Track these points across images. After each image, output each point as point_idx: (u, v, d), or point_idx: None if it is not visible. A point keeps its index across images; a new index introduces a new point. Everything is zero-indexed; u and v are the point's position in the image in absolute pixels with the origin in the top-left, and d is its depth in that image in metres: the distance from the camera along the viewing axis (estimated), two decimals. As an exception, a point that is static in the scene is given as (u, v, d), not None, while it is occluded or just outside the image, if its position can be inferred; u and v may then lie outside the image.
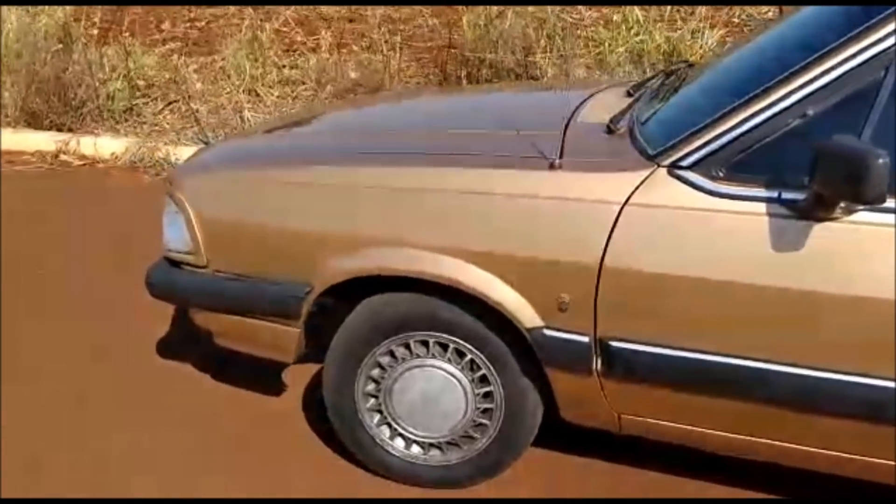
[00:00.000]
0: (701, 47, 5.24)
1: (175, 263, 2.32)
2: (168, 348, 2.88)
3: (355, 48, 5.77)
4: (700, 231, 1.77)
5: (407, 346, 2.11)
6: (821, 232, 1.67)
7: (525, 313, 1.93)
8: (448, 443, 2.18)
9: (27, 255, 3.51)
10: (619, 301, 1.85)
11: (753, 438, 1.89)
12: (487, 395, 2.10)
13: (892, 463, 1.78)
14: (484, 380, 2.09)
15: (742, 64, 2.17)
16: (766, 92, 1.74)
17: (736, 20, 5.56)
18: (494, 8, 5.47)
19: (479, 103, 2.78)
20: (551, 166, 1.91)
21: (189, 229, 2.22)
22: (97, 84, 5.15)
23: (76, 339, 2.92)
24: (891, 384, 1.68)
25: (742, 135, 1.74)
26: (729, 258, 1.75)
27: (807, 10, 2.17)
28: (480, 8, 5.46)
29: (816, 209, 1.66)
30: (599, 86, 2.73)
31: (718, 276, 1.75)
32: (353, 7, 6.30)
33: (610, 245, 1.83)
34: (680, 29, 5.36)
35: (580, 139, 2.04)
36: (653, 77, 2.57)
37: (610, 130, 2.08)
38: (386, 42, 5.50)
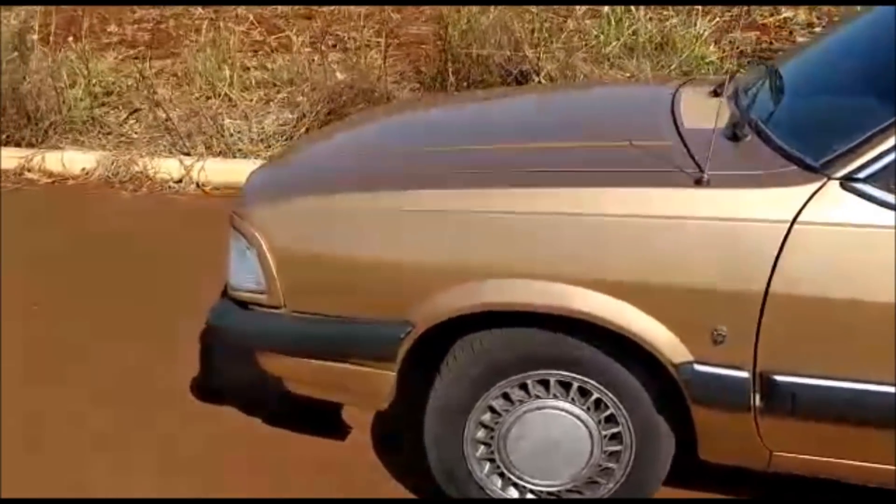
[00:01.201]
0: (696, 37, 5.14)
1: (241, 303, 2.03)
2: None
3: (334, 48, 5.47)
4: (883, 251, 1.60)
5: (524, 387, 1.88)
6: None
7: (672, 347, 1.73)
8: (569, 490, 1.96)
9: (23, 287, 3.13)
10: (785, 331, 1.66)
11: None
12: (615, 437, 1.89)
13: None
14: (611, 420, 1.88)
15: (873, 56, 2.00)
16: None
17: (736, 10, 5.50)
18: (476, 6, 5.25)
19: (550, 109, 2.55)
20: (698, 182, 1.70)
21: (263, 266, 1.93)
22: (58, 94, 4.71)
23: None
24: None
25: None
26: (917, 279, 1.58)
27: None
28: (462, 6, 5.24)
29: None
30: (667, 84, 2.54)
31: (910, 298, 1.58)
32: (314, 6, 5.99)
33: (777, 269, 1.63)
34: (672, 18, 5.25)
35: (708, 148, 1.84)
36: (734, 74, 2.40)
37: (735, 137, 1.88)
38: (368, 43, 5.21)
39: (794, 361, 1.68)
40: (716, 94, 2.30)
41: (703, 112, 2.15)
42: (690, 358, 1.73)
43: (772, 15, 7.00)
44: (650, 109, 2.28)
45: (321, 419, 2.31)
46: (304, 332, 1.95)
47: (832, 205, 1.62)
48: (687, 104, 2.23)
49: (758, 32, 6.49)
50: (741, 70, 2.48)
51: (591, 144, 2.03)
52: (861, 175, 1.61)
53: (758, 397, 1.72)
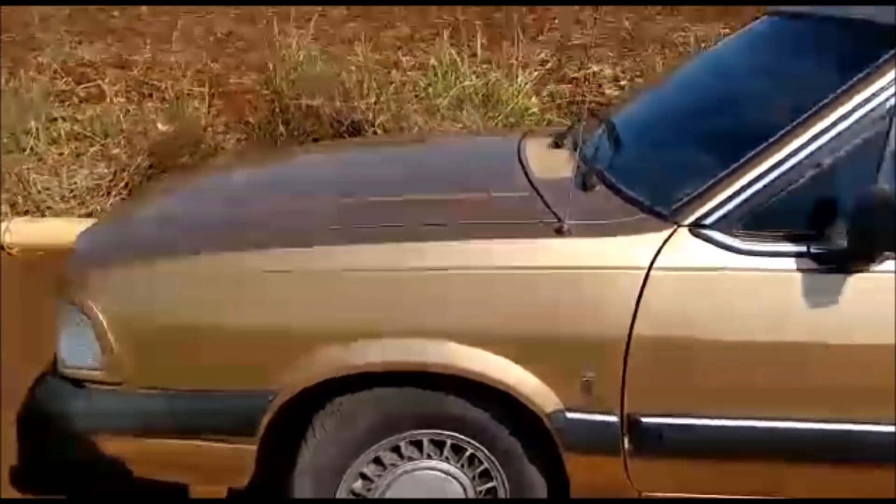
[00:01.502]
0: (518, 90, 5.36)
1: (75, 382, 1.82)
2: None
3: (151, 97, 5.19)
4: (733, 292, 1.69)
5: (396, 450, 1.81)
6: (860, 283, 1.65)
7: (543, 397, 1.73)
8: (447, 548, 1.90)
9: None
10: (650, 373, 1.71)
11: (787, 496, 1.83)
12: (490, 492, 1.86)
13: None
14: (485, 474, 1.85)
15: (709, 102, 2.16)
16: (781, 142, 1.70)
17: (549, 63, 5.80)
18: (301, 53, 5.21)
19: (401, 161, 2.51)
20: (559, 232, 1.73)
21: (100, 338, 1.74)
22: None
23: None
24: None
25: (763, 188, 1.69)
26: (766, 318, 1.68)
27: (741, 39, 2.26)
28: (289, 53, 5.17)
29: (853, 261, 1.64)
30: (508, 137, 2.62)
31: (759, 337, 1.68)
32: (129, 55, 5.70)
33: (638, 314, 1.68)
34: (495, 72, 5.45)
35: (561, 198, 1.88)
36: (573, 125, 2.50)
37: (586, 187, 1.94)
38: (190, 92, 5.00)
39: (660, 402, 1.73)
40: (556, 145, 2.39)
41: (549, 163, 2.22)
42: (561, 406, 1.73)
43: (580, 69, 7.47)
44: (499, 161, 2.32)
45: None
46: (150, 410, 1.78)
47: (683, 250, 1.70)
48: (532, 155, 2.29)
49: (570, 85, 6.90)
50: (577, 121, 2.58)
51: (448, 197, 2.01)
52: (707, 221, 1.70)
53: (626, 440, 1.75)
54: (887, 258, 1.63)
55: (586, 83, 7.11)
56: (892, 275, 1.64)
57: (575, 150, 2.24)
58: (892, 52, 1.71)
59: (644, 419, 1.73)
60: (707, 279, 1.69)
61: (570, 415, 1.74)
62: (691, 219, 1.71)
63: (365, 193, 2.08)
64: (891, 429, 1.69)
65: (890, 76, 1.69)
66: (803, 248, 1.67)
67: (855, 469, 1.75)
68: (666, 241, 1.70)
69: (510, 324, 1.71)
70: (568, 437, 1.75)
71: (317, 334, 1.72)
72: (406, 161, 2.54)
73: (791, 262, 1.67)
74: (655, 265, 1.69)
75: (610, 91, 6.82)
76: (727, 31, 9.19)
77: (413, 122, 4.74)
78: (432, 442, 1.81)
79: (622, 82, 6.98)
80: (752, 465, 1.77)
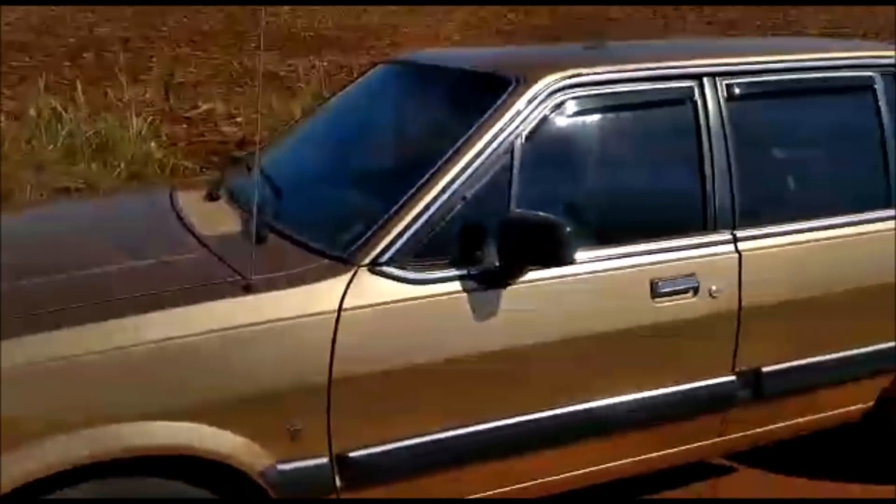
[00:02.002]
0: (137, 135, 5.11)
1: None
2: None
3: None
4: (414, 319, 1.85)
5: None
6: (513, 294, 1.91)
7: (252, 455, 1.72)
8: None
9: None
10: (354, 410, 1.80)
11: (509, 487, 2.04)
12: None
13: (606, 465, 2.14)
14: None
15: (354, 145, 2.31)
16: (430, 183, 1.91)
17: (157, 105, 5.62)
18: None
19: (64, 232, 2.24)
20: (247, 289, 1.74)
21: None
22: None
23: None
24: (602, 402, 2.03)
25: (423, 224, 1.88)
26: (447, 337, 1.87)
27: (369, 85, 2.50)
28: None
29: (506, 276, 1.90)
30: (155, 193, 2.54)
31: (444, 355, 1.86)
32: None
33: (335, 356, 1.76)
34: (106, 120, 5.13)
35: (238, 253, 1.89)
36: (223, 177, 2.51)
37: (260, 239, 1.97)
38: None
39: (365, 435, 1.83)
40: (212, 197, 2.38)
41: (211, 218, 2.20)
42: (272, 461, 1.75)
43: (193, 108, 7.35)
44: (159, 221, 2.24)
45: None
46: None
47: (366, 289, 1.81)
48: (191, 211, 2.26)
49: (185, 125, 6.76)
50: (225, 169, 2.59)
51: (121, 268, 1.90)
52: (382, 259, 1.84)
53: (338, 479, 1.82)
54: (531, 269, 1.93)
55: (202, 122, 7.03)
56: (538, 282, 1.94)
57: (234, 201, 2.27)
58: (505, 96, 2.02)
59: (352, 454, 1.81)
60: (391, 312, 1.83)
61: (281, 466, 1.75)
62: (368, 259, 1.84)
63: (32, 275, 1.87)
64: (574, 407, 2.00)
65: (507, 117, 1.99)
66: (465, 272, 1.89)
67: (539, 457, 2.03)
68: (349, 283, 1.80)
69: (210, 389, 1.68)
70: (283, 488, 1.77)
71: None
72: (60, 232, 2.31)
73: (457, 285, 1.88)
74: (343, 307, 1.78)
75: (228, 128, 6.82)
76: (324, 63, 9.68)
77: (23, 179, 4.27)
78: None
79: (238, 118, 7.03)
80: (461, 472, 1.95)
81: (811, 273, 2.23)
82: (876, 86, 2.37)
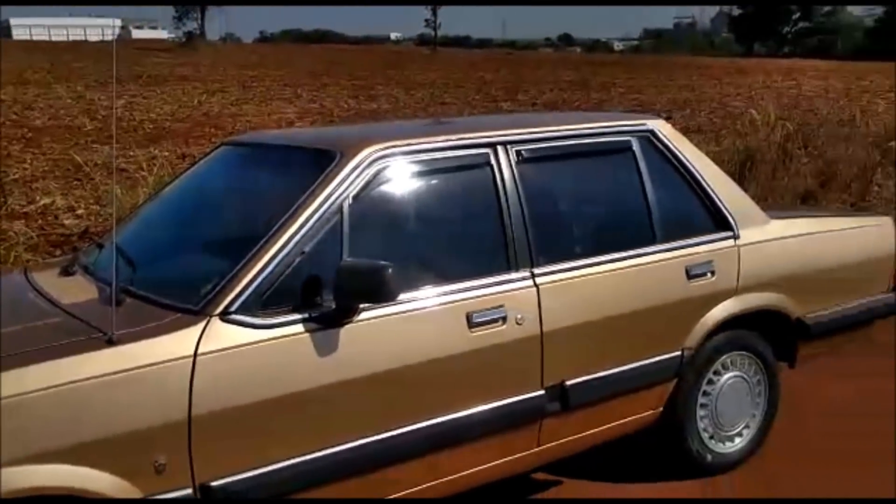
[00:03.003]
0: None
1: None
2: None
3: None
4: (263, 360, 2.12)
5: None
6: (349, 332, 2.23)
7: (122, 491, 1.93)
8: None
9: None
10: (213, 444, 2.04)
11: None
12: None
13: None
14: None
15: (200, 214, 2.61)
16: (272, 240, 2.22)
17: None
18: None
19: None
20: (110, 342, 1.97)
21: None
22: None
23: None
24: (431, 422, 2.35)
25: (268, 276, 2.18)
26: (292, 373, 2.15)
27: (213, 164, 2.83)
28: None
29: (342, 317, 2.22)
30: (8, 276, 2.71)
31: (289, 390, 2.14)
32: None
33: (193, 396, 2.01)
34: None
35: (100, 314, 2.12)
36: (77, 254, 2.72)
37: (118, 302, 2.19)
38: None
39: (225, 465, 2.06)
40: (67, 272, 2.58)
41: (68, 289, 2.41)
42: (140, 495, 1.95)
43: (30, 203, 7.27)
44: (18, 297, 2.42)
45: None
46: None
47: (218, 336, 2.08)
48: (48, 285, 2.46)
49: (23, 220, 6.69)
50: (81, 249, 2.79)
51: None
52: (232, 309, 2.13)
53: (199, 508, 2.04)
54: (364, 309, 2.26)
55: (41, 216, 6.97)
56: (370, 320, 2.27)
57: (89, 274, 2.49)
58: (332, 166, 2.39)
59: (213, 483, 2.05)
60: (242, 354, 2.10)
61: (150, 500, 1.96)
62: (219, 309, 2.12)
63: None
64: (404, 431, 2.31)
65: (335, 183, 2.35)
66: (306, 315, 2.20)
67: (383, 470, 2.31)
68: (203, 331, 2.07)
69: (81, 433, 1.88)
70: (150, 521, 1.97)
71: None
72: None
73: (300, 327, 2.18)
74: (199, 353, 2.04)
75: (69, 221, 6.80)
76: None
77: None
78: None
79: (79, 211, 7.02)
80: (323, 491, 2.21)
81: (598, 299, 2.69)
82: (633, 147, 2.93)
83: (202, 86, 19.41)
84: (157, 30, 73.04)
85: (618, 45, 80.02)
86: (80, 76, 19.93)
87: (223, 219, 2.67)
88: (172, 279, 2.36)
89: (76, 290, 2.38)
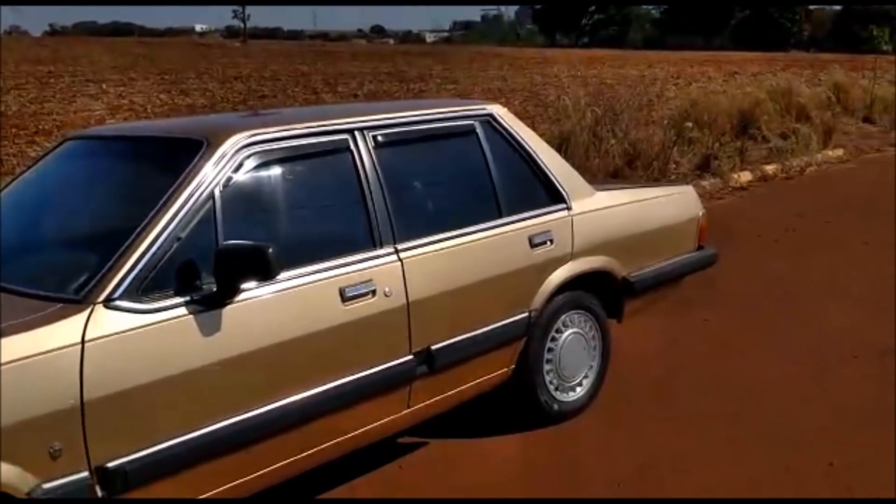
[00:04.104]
0: None
1: None
2: None
3: None
4: (150, 343, 2.19)
5: None
6: (230, 312, 2.33)
7: (19, 479, 1.94)
8: None
9: None
10: (107, 426, 2.09)
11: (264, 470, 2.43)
12: None
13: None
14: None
15: (64, 206, 2.63)
16: (147, 228, 2.28)
17: None
18: None
19: None
20: (-2, 334, 1.97)
21: None
22: None
23: None
24: (310, 392, 2.50)
25: (147, 263, 2.24)
26: (178, 354, 2.23)
27: (62, 158, 2.86)
28: None
29: (223, 298, 2.31)
30: None
31: (176, 370, 2.22)
32: None
33: (84, 381, 2.05)
34: None
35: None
36: None
37: None
38: None
39: (119, 446, 2.12)
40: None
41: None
42: (38, 481, 1.98)
43: None
44: None
45: None
46: None
47: (104, 322, 2.12)
48: None
49: None
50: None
51: None
52: (115, 295, 2.17)
53: (99, 489, 2.09)
54: (243, 290, 2.36)
55: None
56: (249, 300, 2.38)
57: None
58: (201, 153, 2.47)
59: (110, 464, 2.10)
60: (127, 339, 2.15)
61: (47, 485, 1.99)
62: (102, 297, 2.16)
63: None
64: (285, 402, 2.45)
65: (204, 170, 2.44)
66: (188, 298, 2.28)
67: (268, 440, 2.43)
68: (88, 319, 2.11)
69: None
70: (48, 504, 2.00)
71: None
72: None
73: (183, 310, 2.26)
74: (86, 340, 2.08)
75: None
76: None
77: None
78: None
79: None
80: (217, 463, 2.31)
81: (455, 269, 2.95)
82: (477, 130, 3.21)
83: (-7, 83, 17.93)
84: (-72, 22, 65.78)
85: (430, 37, 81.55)
86: None
87: (86, 211, 2.67)
88: (44, 272, 2.35)
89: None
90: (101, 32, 67.58)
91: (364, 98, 16.22)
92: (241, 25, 44.66)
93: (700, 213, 3.98)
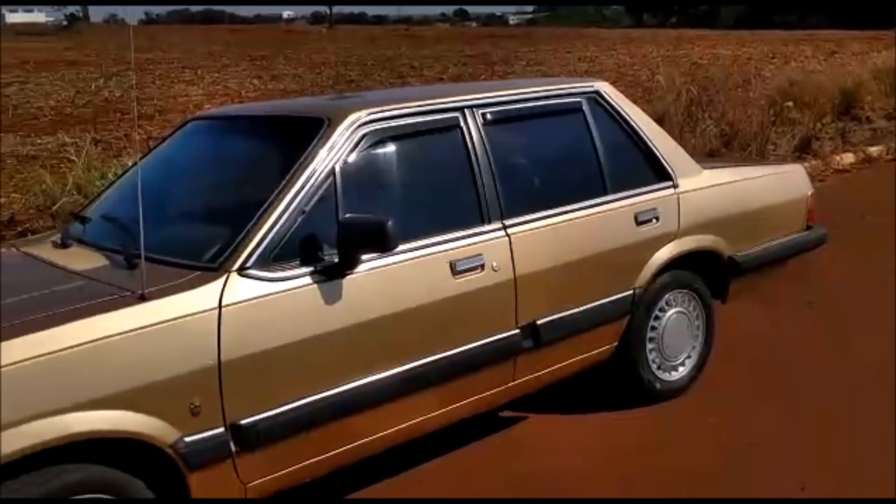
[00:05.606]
0: None
1: None
2: None
3: None
4: (278, 309, 2.31)
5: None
6: (351, 282, 2.44)
7: (164, 431, 2.10)
8: None
9: None
10: (239, 385, 2.22)
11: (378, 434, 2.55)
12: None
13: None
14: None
15: (197, 182, 2.79)
16: (275, 201, 2.41)
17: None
18: None
19: None
20: (142, 298, 2.12)
21: None
22: None
23: None
24: (422, 361, 2.59)
25: (275, 234, 2.37)
26: (303, 321, 2.35)
27: (190, 136, 3.01)
28: None
29: (344, 268, 2.42)
30: None
31: (301, 336, 2.34)
32: None
33: (221, 343, 2.19)
34: None
35: (122, 276, 2.27)
36: (67, 227, 2.82)
37: (130, 266, 2.34)
38: None
39: (252, 404, 2.25)
40: (63, 245, 2.69)
41: (75, 258, 2.53)
42: (180, 434, 2.13)
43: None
44: (25, 269, 2.53)
45: None
46: None
47: (238, 289, 2.26)
48: (52, 257, 2.58)
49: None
50: (65, 223, 2.91)
51: (19, 298, 2.20)
52: (248, 264, 2.31)
53: (233, 444, 2.23)
54: (363, 262, 2.46)
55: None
56: (368, 271, 2.48)
57: (87, 244, 2.61)
58: (322, 131, 2.58)
59: (242, 422, 2.24)
60: (259, 305, 2.28)
61: (188, 438, 2.14)
62: (236, 265, 2.30)
63: None
64: (402, 369, 2.55)
65: (326, 147, 2.55)
66: (312, 268, 2.40)
67: (383, 405, 2.54)
68: (224, 286, 2.25)
69: (126, 380, 2.04)
70: (190, 457, 2.15)
71: None
72: None
73: (307, 279, 2.38)
74: (223, 305, 2.22)
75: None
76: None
77: None
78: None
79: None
80: (336, 425, 2.43)
81: (562, 245, 2.98)
82: (583, 107, 3.23)
83: (96, 70, 18.74)
84: (32, 13, 69.13)
85: (513, 19, 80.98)
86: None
87: (216, 186, 2.82)
88: (181, 242, 2.51)
89: (84, 259, 2.49)
90: (193, 20, 69.77)
91: (449, 81, 16.30)
92: (327, 11, 45.30)
93: (809, 193, 3.89)
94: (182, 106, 13.12)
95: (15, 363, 1.90)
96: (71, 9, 44.31)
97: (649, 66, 13.52)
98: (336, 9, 46.46)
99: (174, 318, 2.13)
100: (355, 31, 40.61)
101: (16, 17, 63.56)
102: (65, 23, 41.01)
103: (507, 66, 19.42)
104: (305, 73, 18.77)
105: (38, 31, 33.94)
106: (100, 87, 15.55)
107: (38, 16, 62.46)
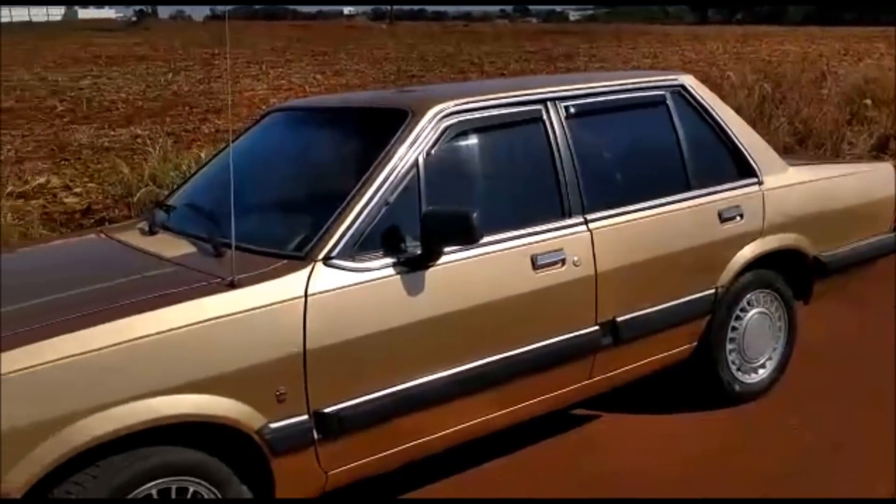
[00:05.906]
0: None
1: None
2: None
3: None
4: (362, 299, 2.32)
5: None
6: (433, 274, 2.42)
7: (250, 417, 2.12)
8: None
9: None
10: (324, 374, 2.23)
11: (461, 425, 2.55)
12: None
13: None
14: (205, 505, 2.13)
15: (280, 174, 2.82)
16: (360, 192, 2.41)
17: None
18: None
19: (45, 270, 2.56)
20: (232, 285, 2.15)
21: None
22: None
23: None
24: (503, 355, 2.57)
25: (359, 226, 2.37)
26: (386, 311, 2.35)
27: (272, 128, 3.02)
28: None
29: (426, 260, 2.41)
30: (81, 241, 2.87)
31: (384, 326, 2.33)
32: None
33: (307, 331, 2.20)
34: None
35: (210, 263, 2.30)
36: (153, 214, 2.88)
37: (217, 254, 2.37)
38: None
39: (335, 393, 2.26)
40: (151, 232, 2.74)
41: (165, 245, 2.58)
42: (265, 420, 2.14)
43: (25, 183, 7.27)
44: (116, 254, 2.58)
45: None
46: None
47: (324, 278, 2.27)
48: (143, 243, 2.64)
49: (22, 200, 6.69)
50: (150, 210, 2.97)
51: (113, 283, 2.26)
52: (333, 254, 2.31)
53: (315, 432, 2.24)
54: (445, 254, 2.45)
55: (39, 196, 6.98)
56: (450, 264, 2.46)
57: (174, 232, 2.65)
58: (406, 123, 2.57)
59: (325, 410, 2.24)
60: (344, 295, 2.29)
61: (273, 425, 2.16)
62: (322, 255, 2.30)
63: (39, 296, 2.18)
64: (488, 359, 2.54)
65: (410, 139, 2.54)
66: (395, 259, 2.39)
67: (462, 398, 2.52)
68: (310, 275, 2.26)
69: (216, 366, 2.06)
70: (275, 444, 2.16)
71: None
72: (39, 268, 2.63)
73: (391, 270, 2.38)
74: (309, 293, 2.23)
75: (69, 199, 6.83)
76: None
77: None
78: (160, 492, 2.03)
79: (76, 190, 7.05)
80: (414, 417, 2.42)
81: (643, 242, 2.92)
82: (667, 101, 3.16)
83: (165, 65, 19.17)
84: (103, 8, 71.04)
85: (573, 15, 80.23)
86: (31, 57, 19.52)
87: (300, 177, 2.84)
88: (267, 231, 2.53)
89: (173, 246, 2.53)
90: (256, 16, 70.88)
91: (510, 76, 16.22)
92: (388, 8, 45.55)
93: (897, 193, 3.75)
94: (248, 100, 13.33)
95: (108, 346, 1.94)
96: (140, 5, 45.33)
97: (716, 63, 13.23)
98: (396, 5, 46.55)
99: (262, 306, 2.15)
100: (415, 28, 40.72)
101: (87, 13, 65.44)
102: (133, 19, 42.02)
103: (569, 61, 19.22)
104: (367, 68, 18.90)
105: (108, 27, 34.88)
106: (169, 82, 15.92)
107: (108, 12, 64.15)
